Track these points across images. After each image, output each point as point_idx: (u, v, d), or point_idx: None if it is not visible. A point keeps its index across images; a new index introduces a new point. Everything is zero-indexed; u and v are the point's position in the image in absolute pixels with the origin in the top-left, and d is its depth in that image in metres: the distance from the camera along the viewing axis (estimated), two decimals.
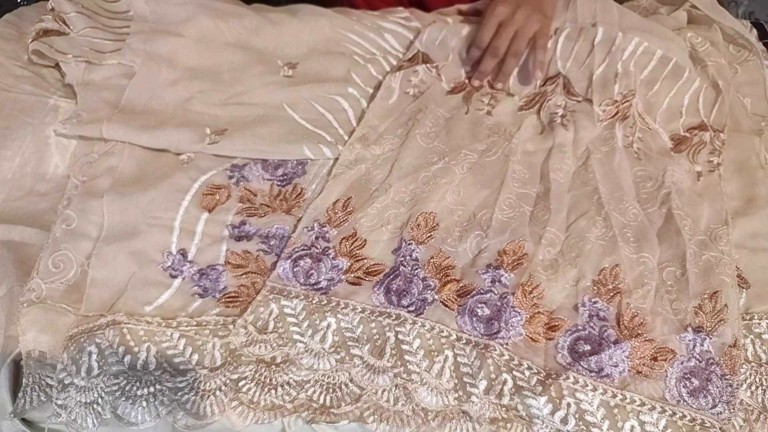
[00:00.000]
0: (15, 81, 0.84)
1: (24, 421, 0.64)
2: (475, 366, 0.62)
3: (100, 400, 0.61)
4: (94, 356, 0.62)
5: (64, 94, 0.85)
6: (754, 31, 1.01)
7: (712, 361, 0.63)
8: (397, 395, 0.62)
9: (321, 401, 0.63)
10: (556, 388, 0.60)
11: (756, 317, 0.67)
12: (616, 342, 0.63)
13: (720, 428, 0.59)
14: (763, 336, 0.66)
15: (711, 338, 0.64)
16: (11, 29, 0.90)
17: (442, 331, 0.64)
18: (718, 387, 0.61)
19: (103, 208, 0.72)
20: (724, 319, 0.65)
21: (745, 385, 0.63)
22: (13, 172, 0.78)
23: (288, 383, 0.63)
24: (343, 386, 0.63)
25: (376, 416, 0.62)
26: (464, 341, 0.63)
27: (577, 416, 0.59)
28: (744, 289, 0.70)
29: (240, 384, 0.62)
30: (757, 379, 0.64)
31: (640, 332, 0.64)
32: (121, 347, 0.62)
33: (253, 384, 0.62)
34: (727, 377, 0.62)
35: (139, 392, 0.61)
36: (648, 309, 0.66)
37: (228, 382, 0.62)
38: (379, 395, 0.62)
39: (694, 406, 0.60)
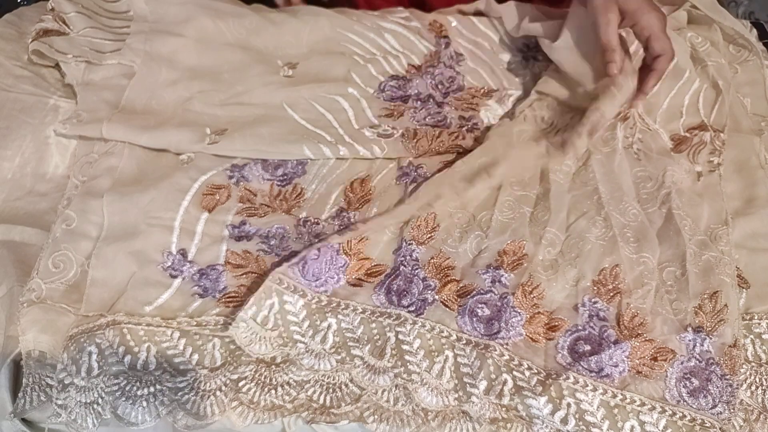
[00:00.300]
0: (15, 81, 0.84)
1: (24, 421, 0.64)
2: (475, 366, 0.62)
3: (100, 400, 0.61)
4: (94, 356, 0.62)
5: (64, 94, 0.85)
6: (754, 31, 1.01)
7: (712, 361, 0.63)
8: (397, 395, 0.62)
9: (321, 401, 0.63)
10: (556, 388, 0.60)
11: (756, 317, 0.67)
12: (616, 342, 0.63)
13: (720, 428, 0.59)
14: (763, 336, 0.66)
15: (711, 338, 0.64)
16: (11, 29, 0.90)
17: (443, 332, 0.64)
18: (718, 387, 0.61)
19: (103, 208, 0.72)
20: (724, 319, 0.65)
21: (745, 385, 0.63)
22: (13, 172, 0.78)
23: (288, 383, 0.63)
24: (343, 386, 0.63)
25: (376, 416, 0.62)
26: (464, 341, 0.63)
27: (577, 416, 0.59)
28: (744, 289, 0.69)
29: (240, 384, 0.62)
30: (757, 379, 0.64)
31: (640, 332, 0.64)
32: (121, 347, 0.62)
33: (253, 384, 0.62)
34: (727, 377, 0.62)
35: (139, 392, 0.61)
36: (648, 309, 0.66)
37: (228, 382, 0.62)
38: (379, 395, 0.62)
39: (694, 406, 0.60)
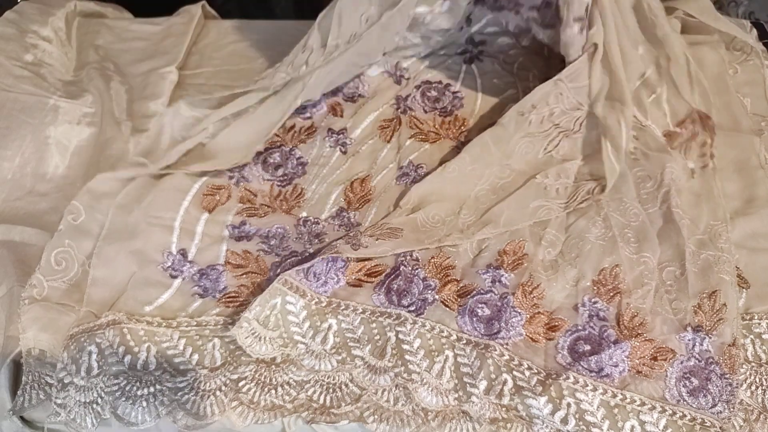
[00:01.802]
0: (15, 81, 0.84)
1: (23, 420, 0.64)
2: (475, 366, 0.62)
3: (99, 400, 0.61)
4: (94, 356, 0.62)
5: (64, 94, 0.85)
6: (754, 31, 1.01)
7: (711, 360, 0.63)
8: (397, 395, 0.62)
9: (321, 401, 0.62)
10: (556, 388, 0.60)
11: (756, 317, 0.67)
12: (616, 342, 0.63)
13: (720, 427, 0.59)
14: (763, 336, 0.66)
15: (710, 337, 0.64)
16: (11, 28, 0.90)
17: (443, 331, 0.64)
18: (717, 386, 0.61)
19: (110, 207, 0.72)
20: (723, 318, 0.65)
21: (745, 385, 0.63)
22: (13, 172, 0.78)
23: (288, 383, 0.63)
24: (343, 386, 0.63)
25: (376, 416, 0.62)
26: (464, 341, 0.63)
27: (577, 416, 0.59)
28: (744, 289, 0.69)
29: (240, 384, 0.62)
30: (757, 379, 0.63)
31: (639, 332, 0.64)
32: (122, 347, 0.62)
33: (253, 384, 0.62)
34: (727, 376, 0.62)
35: (139, 392, 0.61)
36: (648, 309, 0.66)
37: (228, 382, 0.62)
38: (379, 395, 0.62)
39: (694, 406, 0.60)
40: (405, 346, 0.63)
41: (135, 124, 0.86)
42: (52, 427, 0.64)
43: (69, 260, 0.68)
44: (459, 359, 0.63)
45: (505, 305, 0.65)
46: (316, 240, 0.72)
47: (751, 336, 0.66)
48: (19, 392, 0.62)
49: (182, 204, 0.74)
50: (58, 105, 0.84)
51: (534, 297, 0.67)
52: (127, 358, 0.62)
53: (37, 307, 0.65)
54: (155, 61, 0.96)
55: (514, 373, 0.62)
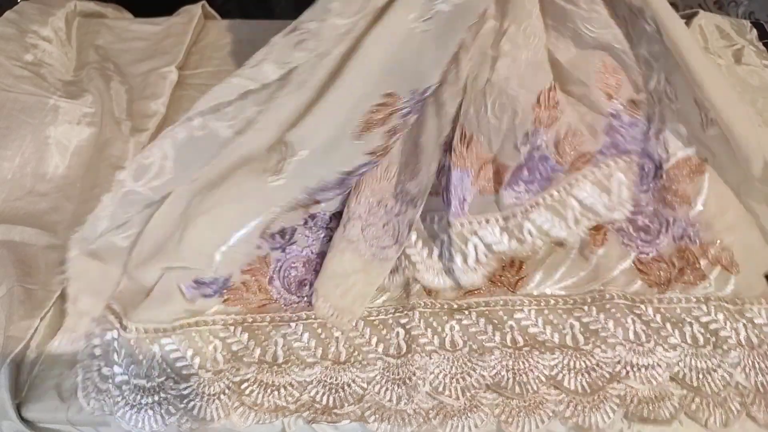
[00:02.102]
0: (15, 81, 0.84)
1: (24, 420, 0.63)
2: (447, 243, 0.66)
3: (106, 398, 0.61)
4: (98, 350, 0.63)
5: (64, 94, 0.85)
6: (754, 31, 1.01)
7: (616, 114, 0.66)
8: (400, 394, 0.62)
9: (324, 402, 0.62)
10: (515, 225, 0.64)
11: (747, 302, 0.68)
12: (555, 167, 0.65)
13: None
14: (755, 321, 0.67)
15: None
16: (11, 28, 0.90)
17: (433, 218, 0.69)
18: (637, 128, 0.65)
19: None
20: (611, 90, 0.66)
21: (739, 368, 0.64)
22: (13, 172, 0.78)
23: (291, 384, 0.63)
24: (346, 386, 0.63)
25: (377, 416, 0.62)
26: (444, 222, 0.67)
27: (539, 236, 0.64)
28: (733, 275, 0.69)
29: (243, 387, 0.62)
30: (750, 362, 0.64)
31: (577, 156, 0.65)
32: (128, 357, 0.62)
33: (255, 386, 0.62)
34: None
35: (143, 401, 0.60)
36: (578, 118, 0.66)
37: (231, 385, 0.62)
38: (381, 395, 0.62)
39: (616, 151, 0.65)
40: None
41: (135, 124, 0.86)
42: (50, 428, 0.64)
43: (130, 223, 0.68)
44: (445, 240, 0.67)
45: (449, 171, 0.66)
46: (322, 235, 0.72)
47: (743, 321, 0.67)
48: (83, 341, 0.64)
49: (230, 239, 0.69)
50: (58, 105, 0.84)
51: (472, 148, 0.66)
52: (132, 366, 0.62)
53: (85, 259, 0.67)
54: (155, 61, 0.96)
55: (479, 233, 0.65)
